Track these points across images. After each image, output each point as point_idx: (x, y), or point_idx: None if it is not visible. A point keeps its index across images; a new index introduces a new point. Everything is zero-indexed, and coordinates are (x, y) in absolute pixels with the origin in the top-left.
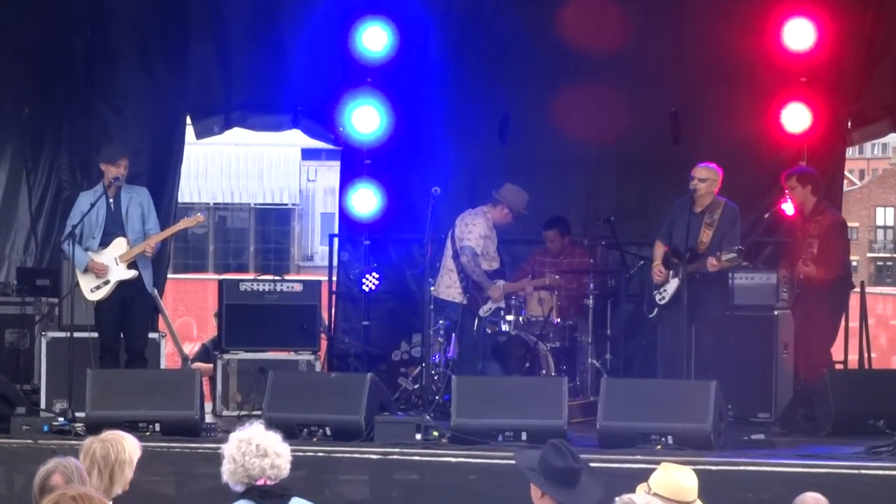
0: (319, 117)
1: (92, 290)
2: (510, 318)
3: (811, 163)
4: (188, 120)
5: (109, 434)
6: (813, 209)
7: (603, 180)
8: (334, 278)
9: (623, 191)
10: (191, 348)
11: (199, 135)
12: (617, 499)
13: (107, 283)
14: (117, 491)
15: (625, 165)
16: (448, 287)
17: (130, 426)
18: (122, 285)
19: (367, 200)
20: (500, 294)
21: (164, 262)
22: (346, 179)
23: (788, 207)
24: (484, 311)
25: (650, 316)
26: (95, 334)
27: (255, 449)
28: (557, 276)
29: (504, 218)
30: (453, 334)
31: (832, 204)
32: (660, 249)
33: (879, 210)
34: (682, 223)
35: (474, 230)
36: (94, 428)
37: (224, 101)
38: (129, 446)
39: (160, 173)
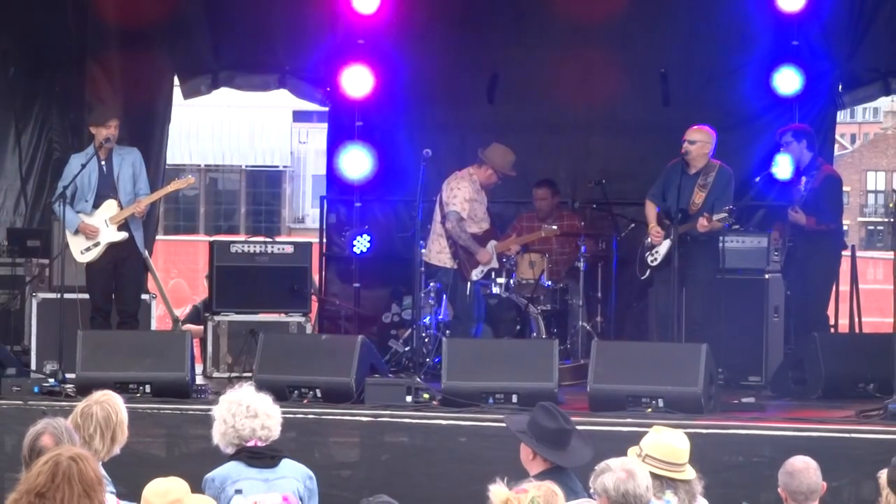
0: (307, 77)
1: (82, 251)
2: (501, 280)
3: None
4: (175, 80)
5: (103, 395)
6: (808, 164)
7: (592, 141)
8: (325, 240)
9: (613, 152)
10: (181, 310)
11: (187, 95)
12: (603, 463)
13: (97, 244)
14: (116, 451)
15: (614, 126)
16: (438, 252)
17: (121, 387)
18: (114, 247)
19: (357, 162)
20: (490, 258)
21: (153, 223)
22: (334, 140)
23: (780, 171)
24: (475, 274)
25: (643, 278)
26: (86, 295)
27: (246, 410)
28: (555, 227)
29: (489, 178)
30: (444, 296)
31: None
32: (651, 210)
33: (870, 174)
34: (675, 185)
35: (458, 194)
36: (85, 389)
37: (212, 61)
38: (121, 406)
39: (147, 134)
